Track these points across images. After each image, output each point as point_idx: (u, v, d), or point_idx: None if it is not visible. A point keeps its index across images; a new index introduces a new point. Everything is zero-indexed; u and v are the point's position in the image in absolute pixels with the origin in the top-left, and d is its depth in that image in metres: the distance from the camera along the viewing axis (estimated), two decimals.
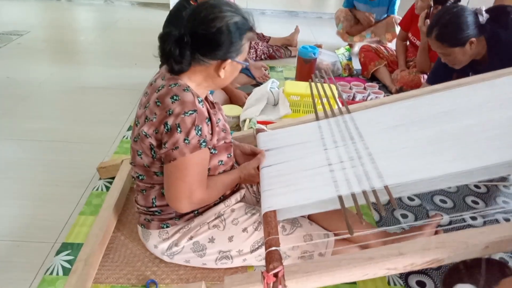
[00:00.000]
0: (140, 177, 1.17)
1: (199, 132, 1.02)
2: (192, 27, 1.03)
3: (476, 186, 1.71)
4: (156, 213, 1.19)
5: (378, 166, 1.12)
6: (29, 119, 2.08)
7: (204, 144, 1.04)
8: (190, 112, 1.00)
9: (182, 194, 1.06)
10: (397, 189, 1.04)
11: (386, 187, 1.03)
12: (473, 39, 1.59)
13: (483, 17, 1.60)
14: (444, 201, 1.61)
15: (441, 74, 1.82)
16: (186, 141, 1.00)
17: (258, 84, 2.44)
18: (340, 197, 1.05)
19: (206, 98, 1.16)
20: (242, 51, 1.08)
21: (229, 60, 1.06)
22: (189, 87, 1.05)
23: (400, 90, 2.45)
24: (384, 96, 2.32)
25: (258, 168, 1.25)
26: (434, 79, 1.83)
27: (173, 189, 1.06)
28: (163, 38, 1.05)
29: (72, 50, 3.16)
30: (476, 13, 1.60)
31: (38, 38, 3.30)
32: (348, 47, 2.95)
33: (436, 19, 1.64)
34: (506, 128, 1.11)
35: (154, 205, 1.18)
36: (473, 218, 1.52)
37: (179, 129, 1.00)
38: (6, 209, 1.46)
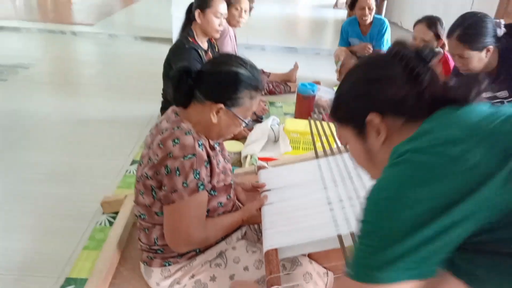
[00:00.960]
0: (142, 216, 1.20)
1: (197, 176, 1.06)
2: (203, 66, 1.11)
3: None
4: (159, 251, 1.21)
5: None
6: (33, 151, 2.12)
7: (202, 187, 1.08)
8: (189, 156, 1.04)
9: (180, 236, 1.09)
10: None
11: None
12: (491, 47, 1.64)
13: (501, 30, 1.64)
14: None
15: None
16: (184, 184, 1.04)
17: (258, 119, 2.50)
18: (339, 236, 1.09)
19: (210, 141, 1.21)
20: (239, 103, 1.11)
21: (222, 105, 1.09)
22: (191, 130, 1.10)
23: None
24: None
25: (260, 209, 1.28)
26: None
27: (172, 230, 1.10)
28: (179, 71, 1.11)
29: (77, 83, 3.25)
30: (496, 24, 1.65)
31: (43, 71, 3.40)
32: None
33: (460, 21, 1.67)
34: None
35: (156, 244, 1.20)
36: None
37: (178, 172, 1.04)
38: (9, 242, 1.48)
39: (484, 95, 0.69)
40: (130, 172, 1.98)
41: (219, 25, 2.10)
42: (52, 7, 6.10)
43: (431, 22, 2.25)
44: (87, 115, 2.59)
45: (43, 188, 1.82)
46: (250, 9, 2.75)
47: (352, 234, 1.10)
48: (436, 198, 0.57)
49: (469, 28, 1.64)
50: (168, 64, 2.14)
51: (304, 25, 6.75)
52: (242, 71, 1.09)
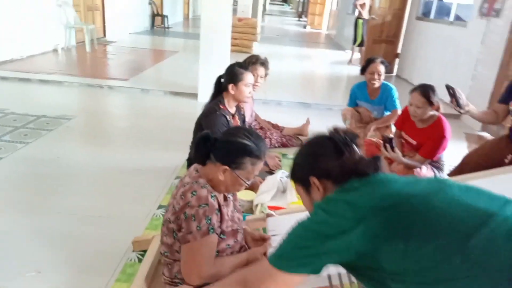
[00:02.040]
0: (166, 253, 1.48)
1: (209, 221, 1.33)
2: (219, 135, 1.44)
3: None
4: (179, 283, 1.47)
5: None
6: (72, 196, 2.44)
7: (212, 230, 1.34)
8: (203, 205, 1.33)
9: (193, 270, 1.35)
10: None
11: None
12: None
13: None
14: None
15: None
16: (198, 228, 1.32)
17: (271, 171, 2.78)
18: (328, 276, 1.32)
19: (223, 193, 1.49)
20: (243, 168, 1.39)
21: (227, 167, 1.38)
22: (207, 184, 1.40)
23: None
24: None
25: (265, 254, 1.51)
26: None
27: (186, 265, 1.36)
28: (200, 137, 1.43)
29: (112, 133, 3.64)
30: None
31: (84, 122, 3.82)
32: None
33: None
34: None
35: (176, 277, 1.46)
36: None
37: (193, 218, 1.32)
38: (52, 275, 1.76)
39: None
40: (157, 216, 2.27)
41: (249, 93, 2.48)
42: (91, 63, 6.73)
43: (424, 90, 2.54)
44: (120, 164, 2.93)
45: (80, 229, 2.12)
46: (266, 75, 3.13)
47: (339, 275, 1.33)
48: (318, 236, 0.94)
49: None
50: (200, 124, 2.46)
51: (319, 81, 7.16)
52: (247, 142, 1.39)
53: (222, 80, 2.50)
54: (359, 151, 1.08)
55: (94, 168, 2.84)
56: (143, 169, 2.86)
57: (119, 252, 1.93)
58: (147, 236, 1.93)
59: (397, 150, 2.69)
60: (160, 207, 2.37)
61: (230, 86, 2.44)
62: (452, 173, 2.55)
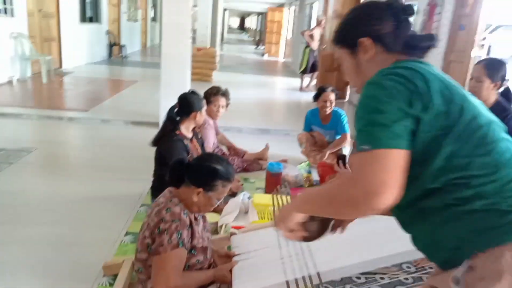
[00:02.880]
0: (140, 270, 1.61)
1: (180, 236, 1.49)
2: (193, 160, 1.62)
3: (405, 278, 2.15)
4: None
5: (315, 259, 1.59)
6: (38, 226, 2.48)
7: (181, 244, 1.50)
8: (175, 220, 1.49)
9: (161, 280, 1.48)
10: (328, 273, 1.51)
11: (317, 273, 1.49)
12: (498, 82, 2.25)
13: (505, 83, 2.30)
14: None
15: None
16: (169, 241, 1.47)
17: (233, 194, 2.95)
18: (287, 282, 1.50)
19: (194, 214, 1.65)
20: (214, 190, 1.58)
21: (201, 190, 1.56)
22: (180, 202, 1.56)
23: None
24: None
25: (230, 270, 1.65)
26: None
27: (155, 276, 1.50)
28: (176, 162, 1.59)
29: (75, 164, 3.67)
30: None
31: (45, 154, 3.82)
32: (308, 162, 3.58)
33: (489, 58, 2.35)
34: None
35: None
36: None
37: (166, 232, 1.48)
38: None
39: None
40: (125, 242, 2.35)
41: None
42: (48, 94, 6.66)
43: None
44: (85, 194, 2.98)
45: (49, 256, 2.17)
46: (227, 105, 3.35)
47: (296, 280, 1.51)
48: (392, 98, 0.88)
49: (493, 61, 2.34)
50: (159, 152, 2.60)
51: (276, 108, 7.49)
52: (218, 167, 1.58)
53: (176, 109, 2.64)
54: (412, 26, 1.06)
55: (59, 198, 2.88)
56: (109, 198, 2.93)
57: (90, 277, 2.00)
58: (118, 261, 2.02)
59: (348, 167, 2.97)
60: (127, 233, 2.45)
61: (194, 114, 2.61)
62: None
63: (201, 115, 2.67)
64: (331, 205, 0.93)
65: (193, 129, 2.77)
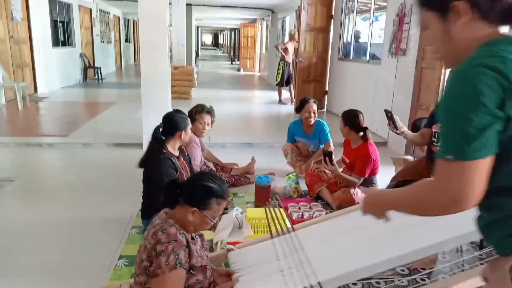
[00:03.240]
0: None
1: (177, 256, 1.48)
2: (186, 180, 1.61)
3: (400, 281, 2.20)
4: None
5: (315, 269, 1.61)
6: (27, 254, 2.42)
7: (179, 265, 1.49)
8: (172, 241, 1.49)
9: None
10: (329, 282, 1.54)
11: (319, 283, 1.52)
12: None
13: None
14: None
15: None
16: (166, 263, 1.46)
17: (225, 210, 2.96)
18: None
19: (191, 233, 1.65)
20: (209, 208, 1.58)
21: (196, 209, 1.57)
22: (175, 223, 1.56)
23: (339, 206, 3.04)
24: (326, 212, 2.91)
25: None
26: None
27: None
28: (169, 183, 1.60)
29: (60, 189, 3.58)
30: None
31: (28, 182, 3.73)
32: (295, 173, 3.63)
33: None
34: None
35: None
36: None
37: (163, 254, 1.47)
38: None
39: None
40: (119, 266, 2.32)
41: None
42: (25, 121, 6.53)
43: (344, 113, 3.22)
44: (73, 219, 2.92)
45: (41, 286, 2.13)
46: (212, 122, 3.38)
47: None
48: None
49: None
50: (147, 172, 2.59)
51: (256, 121, 7.56)
52: (212, 185, 1.59)
53: (161, 129, 2.63)
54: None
55: (46, 225, 2.82)
56: (97, 222, 2.89)
57: None
58: (115, 285, 1.99)
59: (335, 163, 3.05)
60: (121, 257, 2.42)
61: (179, 133, 2.62)
62: None
63: (187, 134, 2.69)
64: (418, 207, 0.95)
65: (179, 147, 2.78)
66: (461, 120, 0.82)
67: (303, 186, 3.51)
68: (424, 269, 2.30)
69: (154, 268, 1.47)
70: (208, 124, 3.32)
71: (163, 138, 2.62)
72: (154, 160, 2.54)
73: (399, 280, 2.22)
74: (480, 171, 0.82)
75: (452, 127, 0.85)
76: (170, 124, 2.66)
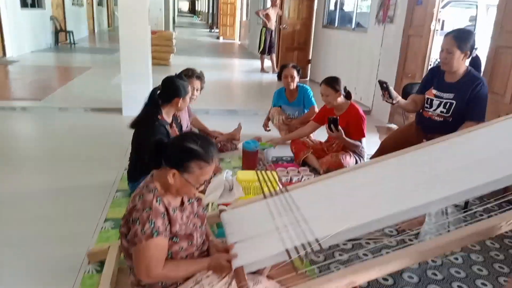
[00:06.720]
0: (125, 257, 1.53)
1: (153, 225, 1.38)
2: (169, 140, 1.52)
3: (433, 261, 2.15)
4: (146, 286, 1.52)
5: (311, 227, 1.60)
6: (12, 225, 2.32)
7: (156, 233, 1.39)
8: (147, 209, 1.39)
9: (142, 271, 1.41)
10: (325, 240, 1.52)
11: (316, 239, 1.50)
12: (468, 52, 2.37)
13: (474, 52, 2.41)
14: (411, 277, 2.01)
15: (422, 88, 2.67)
16: (142, 231, 1.38)
17: (213, 175, 2.90)
18: (287, 250, 1.50)
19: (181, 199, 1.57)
20: (190, 171, 1.44)
21: (175, 171, 1.44)
22: (156, 189, 1.46)
23: (327, 171, 3.04)
24: (314, 176, 2.90)
25: (229, 261, 1.52)
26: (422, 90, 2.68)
27: (136, 266, 1.42)
28: (154, 143, 1.50)
29: (40, 157, 3.41)
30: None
31: (5, 148, 3.54)
32: (270, 143, 3.48)
33: (457, 29, 2.50)
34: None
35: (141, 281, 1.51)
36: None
37: (138, 222, 1.38)
38: None
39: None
40: (105, 229, 2.26)
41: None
42: None
43: (329, 81, 3.10)
44: (55, 187, 2.79)
45: (32, 250, 2.05)
46: (202, 88, 3.27)
47: (295, 248, 1.51)
48: None
49: (462, 32, 2.45)
50: (138, 135, 2.48)
51: (238, 89, 7.42)
52: (193, 146, 1.45)
53: (158, 92, 2.52)
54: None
55: (28, 195, 2.68)
56: (81, 188, 2.79)
57: (75, 266, 1.90)
58: (103, 247, 1.93)
59: (340, 129, 3.00)
60: (106, 220, 2.35)
61: (177, 100, 2.51)
62: (373, 157, 2.92)
63: (184, 102, 2.55)
64: None
65: (174, 114, 2.67)
66: None
67: (289, 153, 3.49)
68: (411, 230, 2.34)
69: (131, 237, 1.39)
70: (197, 90, 3.20)
71: (159, 102, 2.50)
72: (147, 125, 2.42)
73: (388, 240, 2.25)
74: None
75: None
76: (170, 89, 2.51)
